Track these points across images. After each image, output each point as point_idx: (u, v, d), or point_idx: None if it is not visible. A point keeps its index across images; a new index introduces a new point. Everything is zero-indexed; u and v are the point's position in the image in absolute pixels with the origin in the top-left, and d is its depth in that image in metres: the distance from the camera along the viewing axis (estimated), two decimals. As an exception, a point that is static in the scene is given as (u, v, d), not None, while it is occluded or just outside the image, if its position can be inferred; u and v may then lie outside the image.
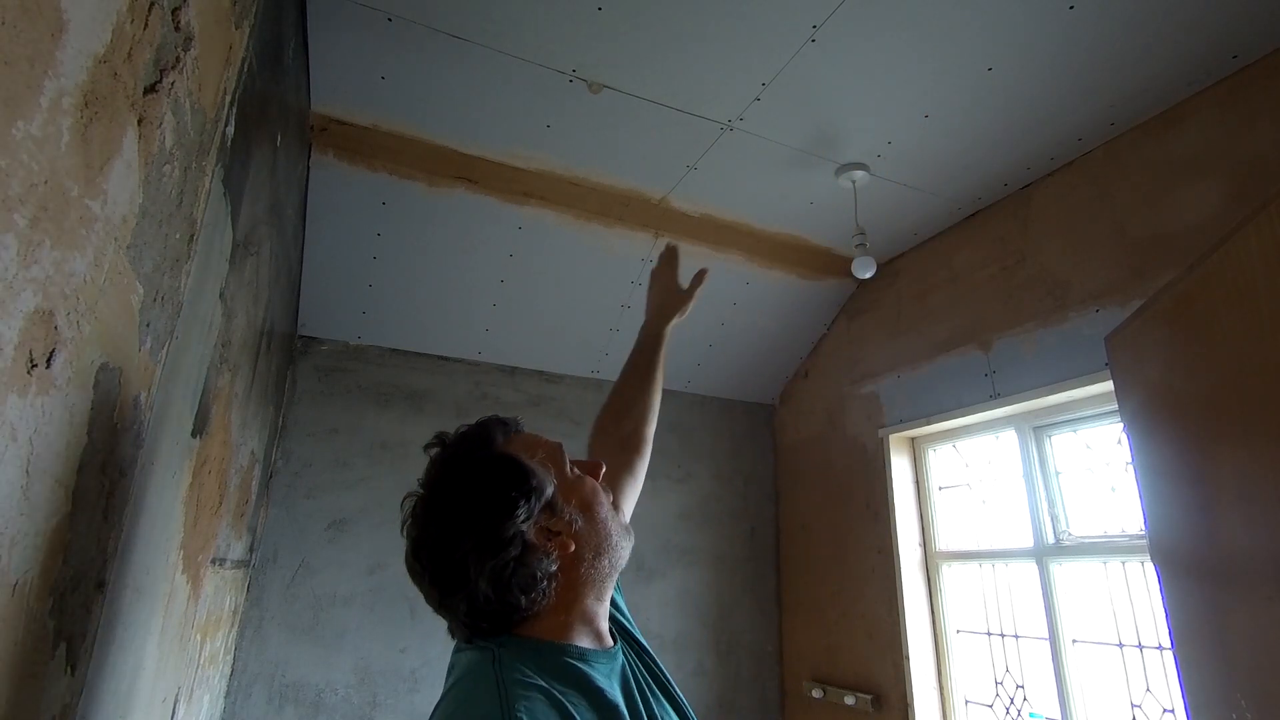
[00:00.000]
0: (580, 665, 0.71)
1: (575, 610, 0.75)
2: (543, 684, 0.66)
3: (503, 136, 2.17)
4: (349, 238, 2.42)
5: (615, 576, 0.81)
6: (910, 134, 2.12)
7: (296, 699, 2.37)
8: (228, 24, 0.97)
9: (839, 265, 2.92)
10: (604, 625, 0.80)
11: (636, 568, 3.07)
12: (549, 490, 0.75)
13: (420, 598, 0.74)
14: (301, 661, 2.40)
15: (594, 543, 0.78)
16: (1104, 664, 2.03)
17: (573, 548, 0.75)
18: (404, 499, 0.77)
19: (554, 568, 0.73)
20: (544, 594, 0.72)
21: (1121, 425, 1.75)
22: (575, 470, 0.83)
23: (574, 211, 2.51)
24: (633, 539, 0.84)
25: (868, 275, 2.40)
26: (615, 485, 0.99)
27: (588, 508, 0.79)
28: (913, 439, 2.82)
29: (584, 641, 0.75)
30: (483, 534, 0.70)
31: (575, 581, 0.76)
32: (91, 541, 0.74)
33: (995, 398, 2.35)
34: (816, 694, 2.87)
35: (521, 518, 0.71)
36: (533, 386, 3.11)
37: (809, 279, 2.99)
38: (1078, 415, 2.23)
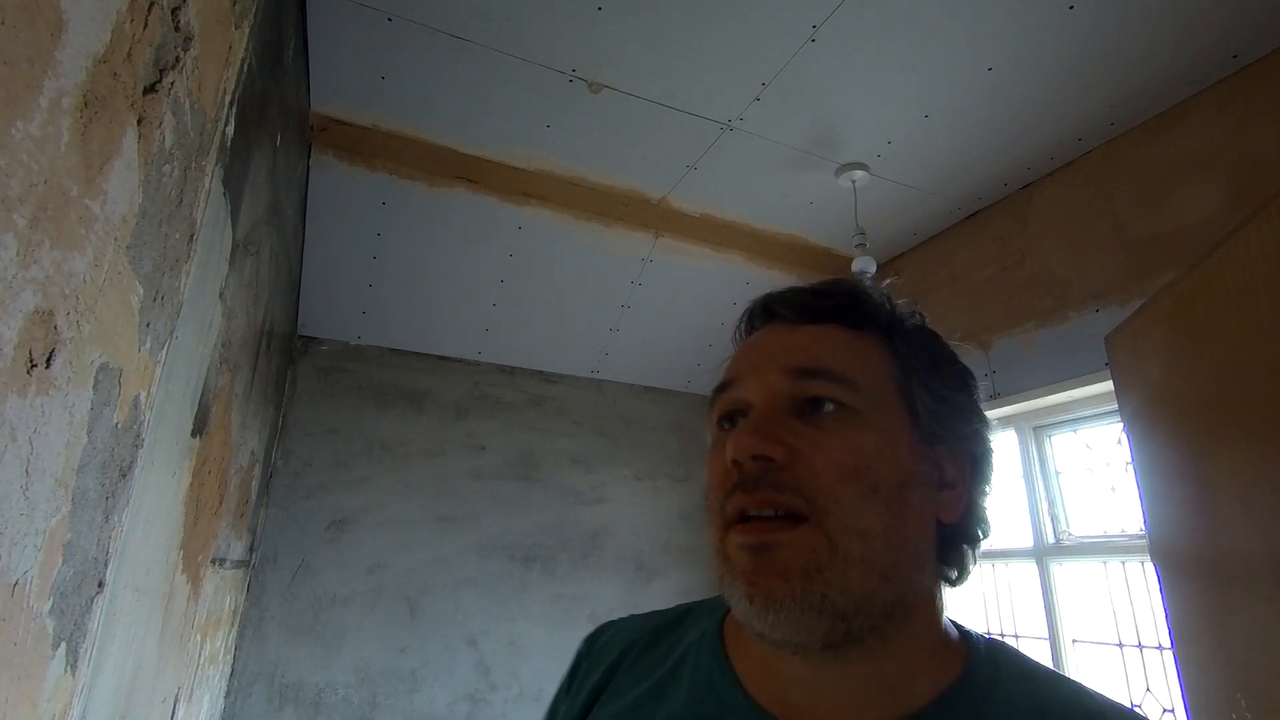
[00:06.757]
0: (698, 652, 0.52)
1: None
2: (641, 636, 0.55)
3: (503, 136, 2.17)
4: (349, 238, 2.42)
5: (741, 616, 0.45)
6: (910, 134, 2.12)
7: (296, 699, 2.37)
8: (228, 24, 0.97)
9: (839, 265, 2.92)
10: (782, 672, 0.47)
11: (636, 568, 3.07)
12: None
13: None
14: (301, 661, 2.40)
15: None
16: (1104, 664, 2.03)
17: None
18: None
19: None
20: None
21: (1121, 425, 1.75)
22: (720, 432, 0.51)
23: (574, 211, 2.51)
24: (747, 611, 0.44)
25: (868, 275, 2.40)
26: None
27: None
28: (913, 439, 2.81)
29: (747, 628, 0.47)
30: None
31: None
32: (91, 541, 0.74)
33: (995, 398, 2.35)
34: (816, 694, 2.86)
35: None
36: (533, 386, 3.11)
37: (809, 279, 2.98)
38: (1078, 415, 2.23)
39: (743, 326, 0.56)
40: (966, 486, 0.50)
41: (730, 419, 0.50)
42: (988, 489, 0.51)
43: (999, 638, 0.51)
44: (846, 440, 0.45)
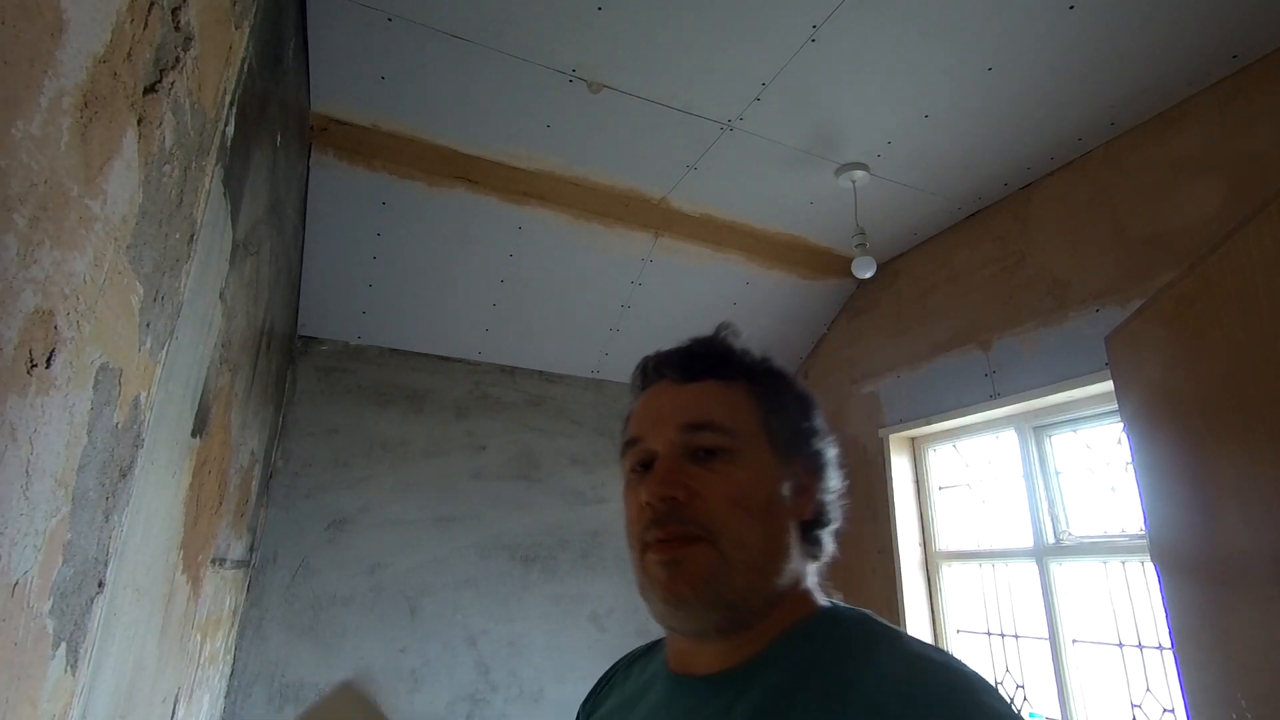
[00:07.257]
0: (642, 658, 0.72)
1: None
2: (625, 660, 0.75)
3: (503, 136, 2.17)
4: (349, 238, 2.42)
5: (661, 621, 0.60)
6: (910, 134, 2.12)
7: (296, 699, 2.37)
8: (228, 24, 0.97)
9: (839, 265, 2.92)
10: (684, 648, 0.62)
11: (636, 568, 3.06)
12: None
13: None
14: (301, 661, 2.40)
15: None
16: (1104, 664, 2.03)
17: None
18: None
19: None
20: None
21: (1121, 425, 1.75)
22: (633, 476, 0.64)
23: (574, 211, 2.51)
24: (663, 610, 0.59)
25: (868, 275, 2.40)
26: None
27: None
28: (913, 439, 2.81)
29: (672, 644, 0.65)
30: None
31: None
32: (91, 541, 0.74)
33: (995, 398, 2.35)
34: (816, 694, 2.86)
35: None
36: (533, 386, 3.11)
37: (809, 279, 2.99)
38: (1078, 415, 2.23)
39: (638, 381, 0.68)
40: (815, 489, 0.64)
41: (643, 466, 0.62)
42: (832, 488, 0.65)
43: (870, 613, 0.61)
44: (729, 478, 0.59)
